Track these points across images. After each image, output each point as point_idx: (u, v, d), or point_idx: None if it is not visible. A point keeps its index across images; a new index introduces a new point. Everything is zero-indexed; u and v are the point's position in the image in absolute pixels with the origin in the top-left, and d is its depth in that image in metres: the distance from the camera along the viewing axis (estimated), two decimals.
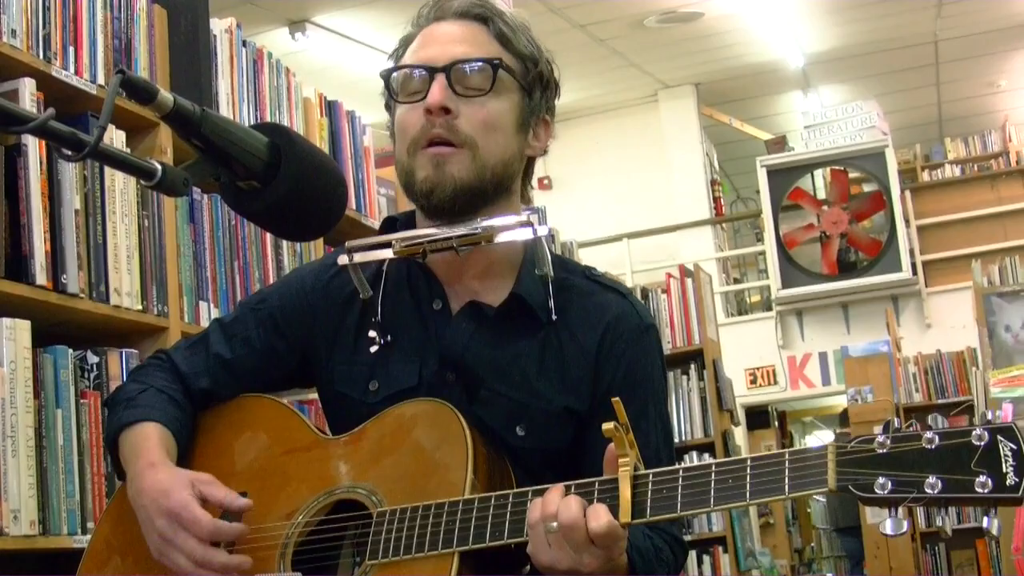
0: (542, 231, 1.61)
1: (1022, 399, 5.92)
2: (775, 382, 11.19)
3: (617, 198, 12.02)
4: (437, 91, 1.62)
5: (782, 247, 10.83)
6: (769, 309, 11.48)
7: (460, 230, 1.61)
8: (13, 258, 2.32)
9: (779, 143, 11.58)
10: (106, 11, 2.64)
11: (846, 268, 10.73)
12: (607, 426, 1.40)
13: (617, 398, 1.41)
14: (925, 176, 13.80)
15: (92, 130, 1.02)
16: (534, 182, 1.84)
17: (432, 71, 1.64)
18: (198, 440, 1.76)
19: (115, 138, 2.61)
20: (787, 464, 1.36)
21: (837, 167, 10.85)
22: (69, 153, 0.99)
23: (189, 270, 2.80)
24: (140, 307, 2.62)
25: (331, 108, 3.59)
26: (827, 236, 10.70)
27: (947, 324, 10.22)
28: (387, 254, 1.63)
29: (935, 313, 10.67)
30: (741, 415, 11.22)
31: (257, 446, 1.72)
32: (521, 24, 1.73)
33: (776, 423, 12.77)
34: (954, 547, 8.58)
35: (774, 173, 10.93)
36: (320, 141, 3.49)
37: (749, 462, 1.39)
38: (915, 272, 10.60)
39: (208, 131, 1.15)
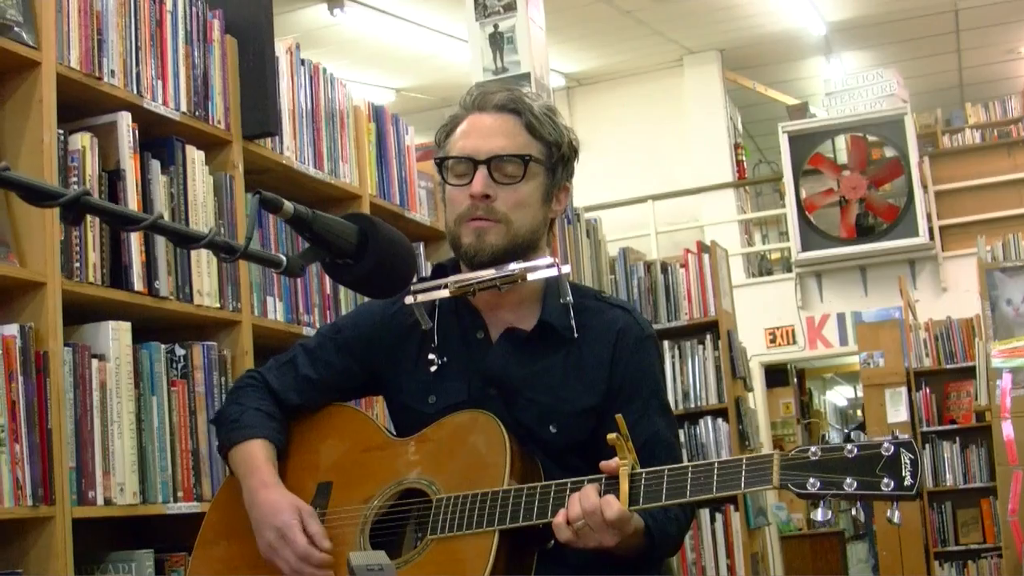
0: (565, 270, 2.03)
1: (1020, 369, 6.26)
2: (794, 342, 11.49)
3: (642, 161, 12.24)
4: (479, 182, 2.04)
5: (802, 211, 11.11)
6: (789, 270, 11.78)
7: (502, 272, 2.02)
8: (115, 268, 2.72)
9: (800, 109, 11.83)
10: (187, 45, 3.01)
11: (864, 232, 10.98)
12: (611, 437, 1.83)
13: (619, 415, 1.83)
14: (946, 140, 14.01)
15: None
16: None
17: (476, 163, 2.05)
18: (295, 441, 2.19)
19: (196, 157, 2.99)
20: (743, 466, 1.79)
21: (856, 134, 11.12)
22: (226, 256, 1.39)
23: (258, 270, 3.20)
24: (218, 304, 3.01)
25: (378, 113, 3.97)
26: (846, 201, 10.95)
27: (962, 288, 10.41)
28: (444, 294, 2.04)
29: (951, 277, 10.92)
30: (760, 374, 11.55)
31: (342, 445, 2.15)
32: (547, 113, 2.12)
33: (795, 381, 13.14)
34: (960, 506, 8.94)
35: (795, 139, 11.18)
36: (368, 144, 3.87)
37: (716, 464, 1.82)
38: (931, 237, 10.85)
39: (317, 228, 1.55)
